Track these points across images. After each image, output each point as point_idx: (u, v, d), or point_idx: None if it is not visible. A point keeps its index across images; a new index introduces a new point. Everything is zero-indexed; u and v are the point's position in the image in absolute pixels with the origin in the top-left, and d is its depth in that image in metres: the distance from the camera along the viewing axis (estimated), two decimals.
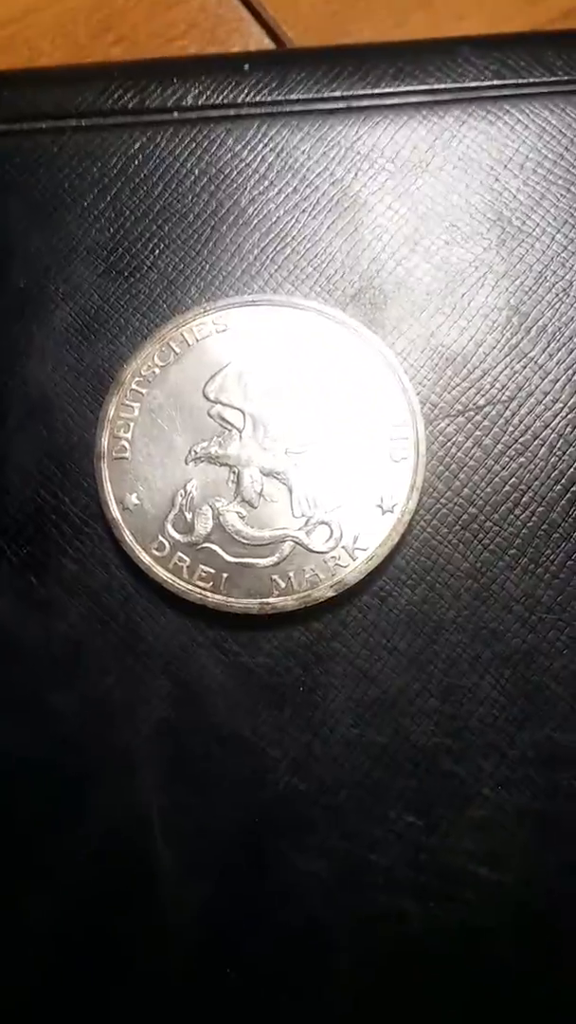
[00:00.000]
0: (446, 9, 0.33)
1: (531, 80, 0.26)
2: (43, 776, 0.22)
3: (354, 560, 0.22)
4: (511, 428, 0.23)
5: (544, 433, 0.23)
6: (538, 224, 0.25)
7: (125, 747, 0.22)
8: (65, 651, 0.23)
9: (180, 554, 0.22)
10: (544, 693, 0.22)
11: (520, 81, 0.26)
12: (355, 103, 0.26)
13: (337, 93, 0.27)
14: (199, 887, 0.21)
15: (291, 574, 0.22)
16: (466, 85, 0.26)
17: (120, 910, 0.21)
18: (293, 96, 0.27)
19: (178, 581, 0.22)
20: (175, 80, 0.27)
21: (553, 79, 0.26)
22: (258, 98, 0.27)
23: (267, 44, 0.34)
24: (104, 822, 0.22)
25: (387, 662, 0.22)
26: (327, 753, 0.22)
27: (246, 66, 0.27)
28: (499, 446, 0.23)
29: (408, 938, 0.21)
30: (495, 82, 0.26)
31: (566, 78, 0.26)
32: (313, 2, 0.34)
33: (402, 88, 0.26)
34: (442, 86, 0.27)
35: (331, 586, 0.22)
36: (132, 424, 0.23)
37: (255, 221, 0.25)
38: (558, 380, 0.24)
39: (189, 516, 0.23)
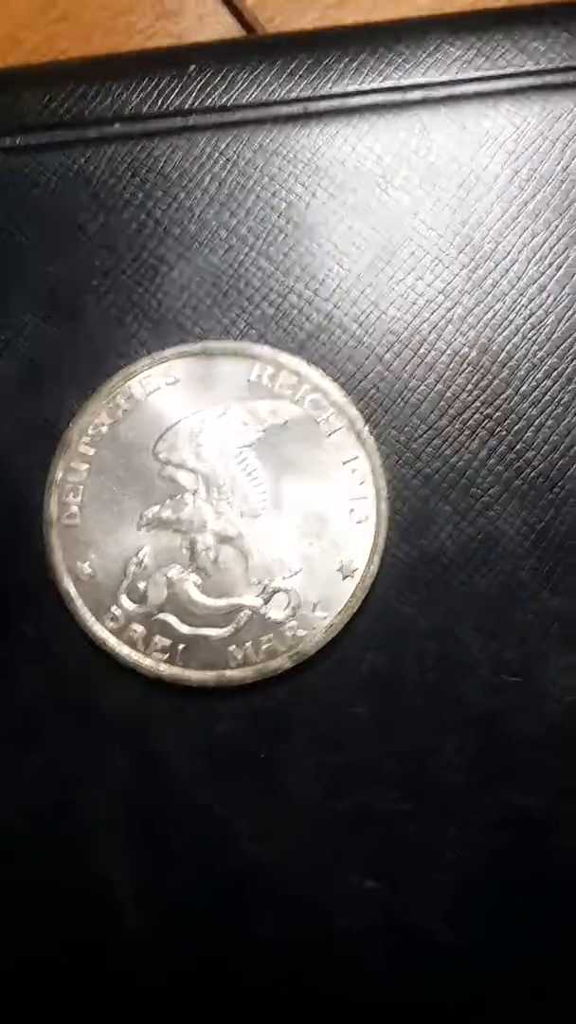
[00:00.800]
0: None
1: (510, 71, 0.24)
2: (3, 844, 0.22)
3: (313, 629, 0.22)
4: (479, 479, 0.22)
5: (515, 484, 0.22)
6: (512, 246, 0.23)
7: (86, 817, 0.22)
8: (25, 720, 0.23)
9: (134, 625, 0.22)
10: (508, 757, 0.21)
11: (498, 73, 0.24)
12: (312, 107, 0.24)
13: (293, 95, 0.24)
14: (166, 953, 0.22)
15: (248, 645, 0.22)
16: (436, 80, 0.24)
17: (86, 977, 0.22)
18: (244, 100, 0.24)
19: (133, 653, 0.22)
20: (115, 85, 0.25)
21: (535, 68, 0.24)
22: (208, 103, 0.24)
23: (222, 14, 0.31)
24: (69, 890, 0.22)
25: (349, 728, 0.22)
26: (289, 821, 0.22)
27: (192, 67, 0.25)
28: (467, 499, 0.22)
29: (372, 1002, 0.21)
30: (470, 75, 0.24)
31: (550, 67, 0.24)
32: None
33: (365, 87, 0.24)
34: (409, 82, 0.24)
35: (289, 657, 0.22)
36: (81, 488, 0.23)
37: (205, 251, 0.24)
38: (531, 425, 0.22)
39: (142, 585, 0.22)
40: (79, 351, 0.24)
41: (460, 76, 0.24)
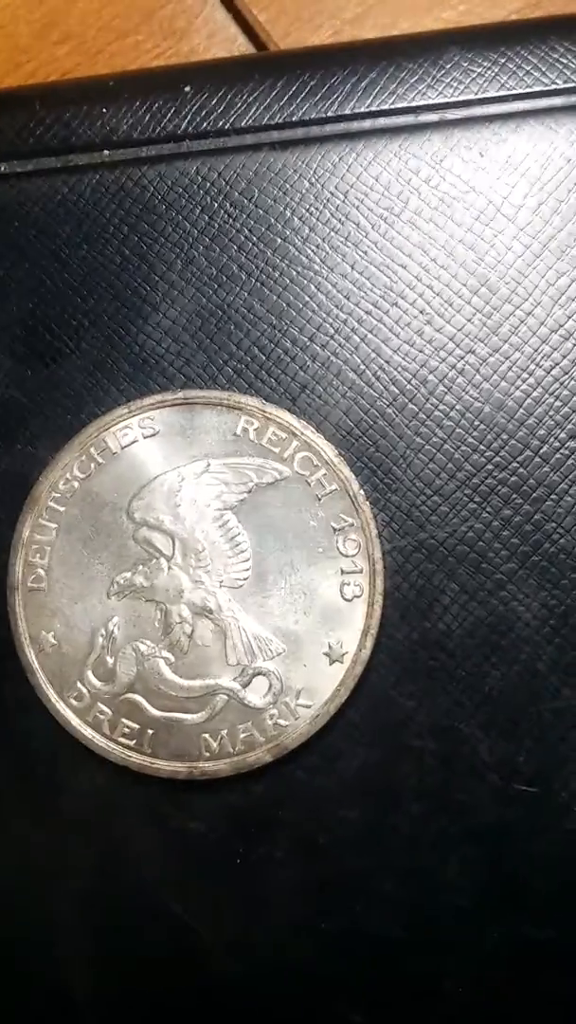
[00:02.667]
0: None
1: (537, 89, 0.21)
2: None
3: (296, 719, 0.19)
4: (491, 554, 0.20)
5: (532, 559, 0.19)
6: (533, 290, 0.20)
7: (44, 919, 0.20)
8: None
9: (100, 705, 0.20)
10: (518, 881, 0.19)
11: (523, 91, 0.21)
12: (315, 131, 0.22)
13: (295, 118, 0.22)
14: None
15: (224, 733, 0.19)
16: (453, 100, 0.22)
17: None
18: (242, 123, 0.22)
19: (98, 736, 0.20)
20: (104, 109, 0.23)
21: (564, 86, 0.21)
22: (202, 127, 0.22)
23: (233, 31, 0.29)
24: (25, 1001, 0.20)
25: (336, 834, 0.19)
26: (267, 936, 0.19)
27: (187, 87, 0.23)
28: (477, 576, 0.20)
29: None
30: (490, 94, 0.21)
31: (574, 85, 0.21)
32: None
33: (373, 108, 0.22)
34: (423, 103, 0.22)
35: (268, 750, 0.19)
36: (48, 549, 0.21)
37: (192, 291, 0.22)
38: (552, 492, 0.20)
39: (111, 661, 0.20)
40: (55, 397, 0.22)
41: (480, 96, 0.21)
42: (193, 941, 0.19)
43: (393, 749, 0.19)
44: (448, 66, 0.22)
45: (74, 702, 0.20)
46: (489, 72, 0.22)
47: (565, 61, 0.21)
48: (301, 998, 0.19)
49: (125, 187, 0.22)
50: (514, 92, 0.21)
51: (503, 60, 0.22)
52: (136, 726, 0.20)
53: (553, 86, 0.21)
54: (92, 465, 0.21)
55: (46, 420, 0.22)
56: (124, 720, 0.20)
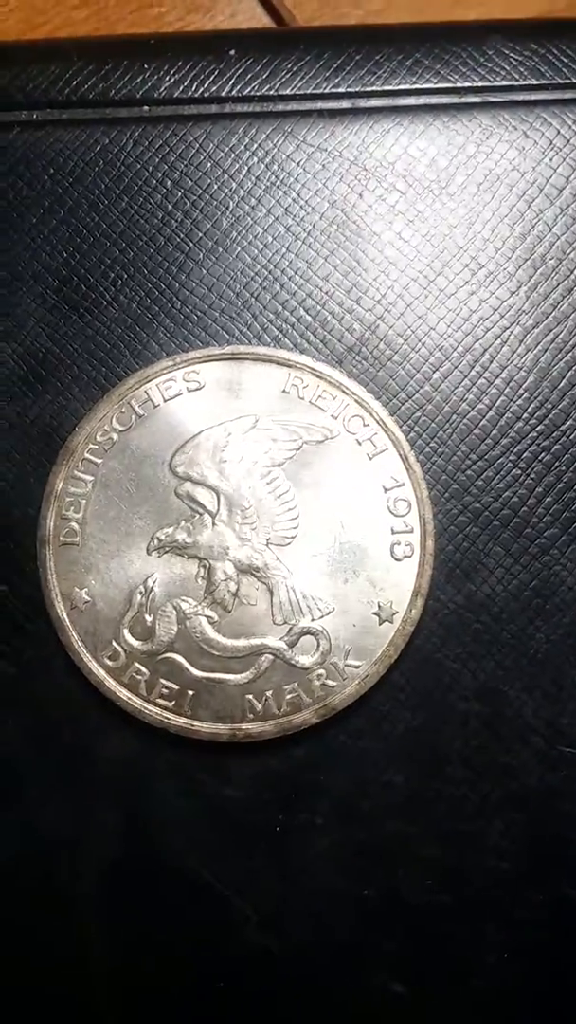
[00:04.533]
0: None
1: (574, 80, 0.22)
2: None
3: (344, 679, 0.19)
4: (535, 519, 0.20)
5: (575, 526, 0.20)
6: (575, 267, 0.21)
7: (66, 890, 0.19)
8: (1, 770, 0.20)
9: (137, 665, 0.19)
10: (563, 844, 0.19)
11: (563, 81, 0.22)
12: (362, 103, 0.22)
13: (341, 89, 0.23)
14: None
15: (269, 694, 0.19)
16: (497, 84, 0.22)
17: None
18: (287, 91, 0.23)
19: (134, 698, 0.19)
20: (146, 65, 0.23)
21: None
22: (246, 91, 0.23)
23: (259, 14, 0.29)
24: (39, 981, 0.19)
25: (379, 800, 0.19)
26: (305, 907, 0.19)
27: (231, 51, 0.23)
28: (521, 540, 0.20)
29: None
30: (532, 81, 0.22)
31: None
32: None
33: (419, 85, 0.22)
34: (467, 84, 0.22)
35: (316, 711, 0.19)
36: (83, 502, 0.20)
37: (237, 249, 0.22)
38: None
39: (149, 619, 0.19)
40: (89, 349, 0.21)
41: (522, 83, 0.22)
42: (228, 912, 0.19)
43: (438, 712, 0.19)
44: (491, 52, 0.23)
45: (109, 662, 0.19)
46: (530, 61, 0.23)
47: None
48: (340, 969, 0.19)
49: (169, 142, 0.22)
50: (555, 82, 0.22)
51: (543, 51, 0.23)
52: (175, 687, 0.19)
53: None
54: (132, 417, 0.20)
55: (79, 372, 0.21)
56: (163, 680, 0.19)
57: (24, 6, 0.30)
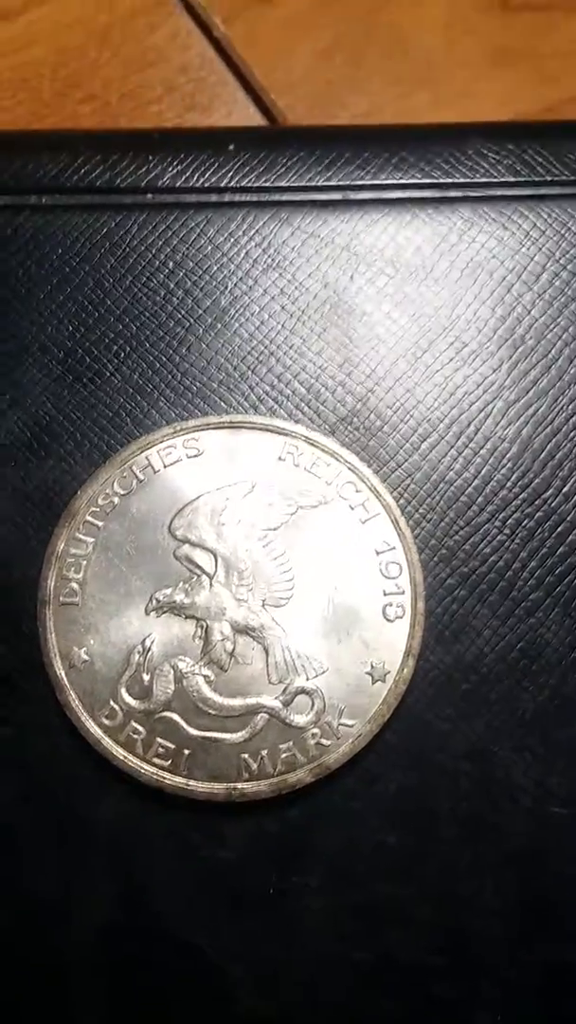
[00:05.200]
0: (451, 85, 0.31)
1: (549, 179, 0.25)
2: None
3: (339, 738, 0.20)
4: (520, 583, 0.21)
5: (558, 590, 0.21)
6: (554, 344, 0.23)
7: (60, 955, 0.19)
8: None
9: (134, 724, 0.20)
10: (554, 904, 0.19)
11: (537, 179, 0.25)
12: (352, 195, 0.24)
13: (333, 182, 0.25)
14: None
15: (264, 754, 0.20)
16: (476, 180, 0.25)
17: None
18: (283, 183, 0.25)
19: (130, 757, 0.20)
20: (150, 157, 0.25)
21: (574, 178, 0.25)
22: (244, 183, 0.25)
23: (253, 113, 0.32)
24: None
25: (372, 861, 0.20)
26: (299, 971, 0.19)
27: (231, 146, 0.25)
28: (507, 603, 0.21)
29: None
30: (509, 179, 0.25)
31: None
32: (307, 69, 0.32)
33: (405, 180, 0.25)
34: (450, 180, 0.25)
35: (311, 770, 0.19)
36: (84, 563, 0.21)
37: (235, 325, 0.23)
38: (575, 527, 0.22)
39: (147, 678, 0.20)
40: (92, 417, 0.22)
41: (500, 179, 0.25)
42: (221, 977, 0.19)
43: (429, 772, 0.20)
44: (471, 152, 0.25)
45: (106, 721, 0.20)
46: (507, 160, 0.25)
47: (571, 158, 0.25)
48: None
49: (172, 227, 0.24)
50: (530, 179, 0.25)
51: (519, 152, 0.25)
52: (172, 746, 0.20)
53: (562, 177, 0.25)
54: (133, 482, 0.21)
55: (82, 439, 0.22)
56: (159, 740, 0.20)
57: (31, 99, 0.32)
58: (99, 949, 0.19)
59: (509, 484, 0.22)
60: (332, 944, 0.19)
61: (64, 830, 0.20)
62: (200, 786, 0.19)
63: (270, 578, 0.21)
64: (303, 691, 0.20)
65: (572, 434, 0.22)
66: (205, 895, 0.19)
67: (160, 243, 0.24)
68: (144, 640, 0.20)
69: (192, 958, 0.19)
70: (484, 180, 0.25)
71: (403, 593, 0.20)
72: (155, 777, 0.19)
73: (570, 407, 0.22)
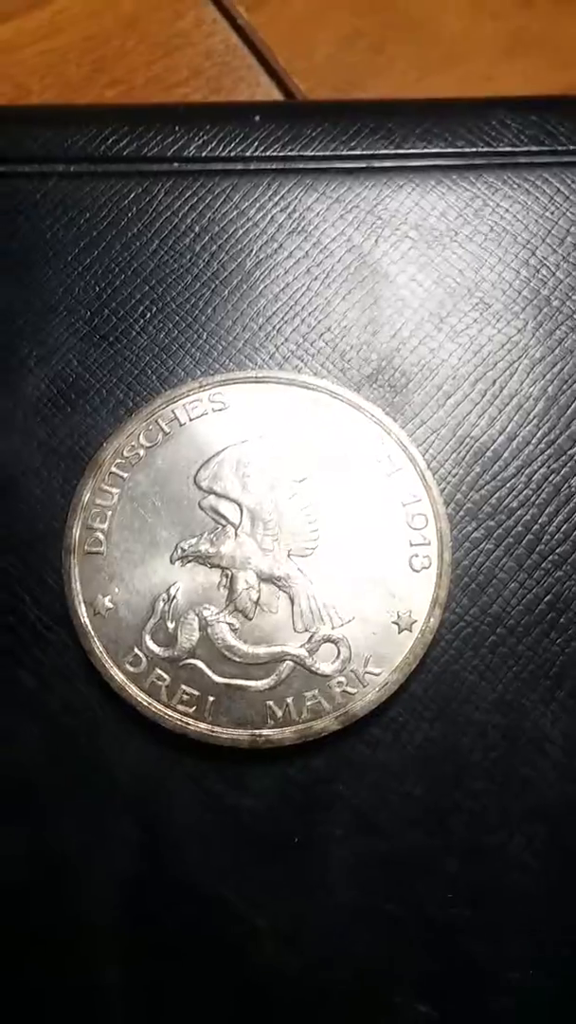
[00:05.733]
0: (473, 69, 0.32)
1: (572, 147, 0.25)
2: None
3: (364, 687, 0.20)
4: (547, 536, 0.21)
5: None
6: None
7: (80, 905, 0.19)
8: (13, 785, 0.20)
9: (159, 671, 0.20)
10: None
11: (560, 148, 0.25)
12: (376, 163, 0.25)
13: (357, 151, 0.25)
14: None
15: (290, 701, 0.20)
16: (500, 150, 0.25)
17: None
18: (307, 152, 0.25)
19: (155, 704, 0.20)
20: (176, 128, 0.26)
21: None
22: (269, 152, 0.25)
23: (276, 96, 0.32)
24: (52, 1004, 0.18)
25: (399, 812, 0.19)
26: (324, 923, 0.19)
27: (256, 116, 0.26)
28: (533, 556, 0.21)
29: None
30: (532, 148, 0.25)
31: None
32: (329, 53, 0.33)
33: (429, 149, 0.25)
34: (473, 149, 0.25)
35: (336, 717, 0.19)
36: (109, 513, 0.21)
37: (261, 287, 0.24)
38: None
39: (171, 626, 0.20)
40: (119, 375, 0.23)
41: (523, 148, 0.25)
42: (243, 926, 0.19)
43: (456, 723, 0.20)
44: (495, 122, 0.25)
45: (130, 667, 0.20)
46: (530, 131, 0.25)
47: None
48: (360, 988, 0.18)
49: (198, 192, 0.25)
50: (553, 148, 0.25)
51: (541, 122, 0.25)
52: (196, 692, 0.20)
53: None
54: (159, 435, 0.22)
55: (108, 395, 0.23)
56: (184, 686, 0.20)
57: (59, 83, 0.33)
58: (122, 897, 0.19)
59: (535, 440, 0.22)
60: (357, 895, 0.19)
61: (87, 778, 0.20)
62: (225, 732, 0.19)
63: (295, 529, 0.21)
64: (329, 639, 0.20)
65: None
66: (229, 844, 0.19)
67: (186, 208, 0.25)
68: (169, 588, 0.20)
69: (215, 908, 0.19)
70: (508, 149, 0.25)
71: (429, 544, 0.21)
72: (179, 723, 0.19)
73: None
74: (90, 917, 0.19)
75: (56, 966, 0.19)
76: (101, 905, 0.19)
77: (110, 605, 0.20)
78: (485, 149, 0.25)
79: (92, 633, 0.20)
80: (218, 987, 0.19)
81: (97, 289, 0.24)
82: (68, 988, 0.19)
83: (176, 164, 0.25)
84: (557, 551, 0.21)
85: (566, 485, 0.22)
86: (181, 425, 0.22)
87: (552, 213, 0.24)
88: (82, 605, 0.20)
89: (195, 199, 0.25)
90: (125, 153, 0.25)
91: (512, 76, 0.32)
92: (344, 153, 0.25)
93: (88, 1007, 0.18)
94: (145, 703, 0.20)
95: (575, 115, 0.26)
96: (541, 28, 0.32)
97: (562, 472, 0.22)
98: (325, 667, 0.20)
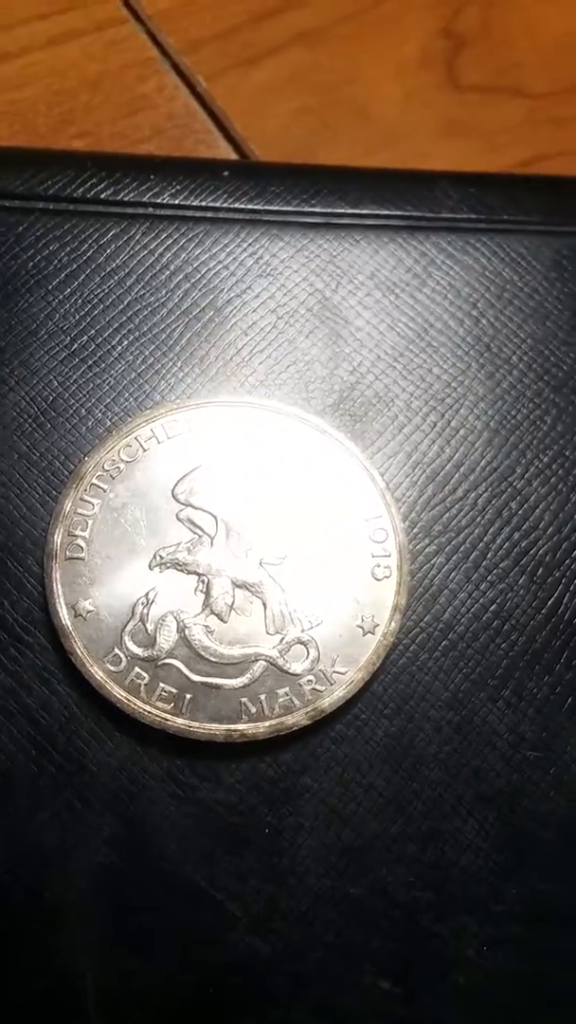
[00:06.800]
0: (412, 148, 0.36)
1: (506, 217, 0.29)
2: None
3: (332, 684, 0.22)
4: (491, 552, 0.24)
5: (524, 560, 0.24)
6: (514, 352, 0.27)
7: (57, 899, 0.20)
8: None
9: (138, 670, 0.21)
10: (530, 840, 0.21)
11: (496, 217, 0.29)
12: (335, 220, 0.28)
13: (317, 208, 0.28)
14: None
15: (263, 698, 0.21)
16: (443, 216, 0.29)
17: None
18: (272, 207, 0.28)
19: (134, 701, 0.21)
20: (152, 176, 0.28)
21: (525, 219, 0.29)
22: (237, 204, 0.28)
23: (233, 159, 0.36)
24: (26, 992, 0.19)
25: (362, 801, 0.21)
26: (294, 908, 0.20)
27: (226, 172, 0.29)
28: (480, 570, 0.24)
29: None
30: (471, 216, 0.29)
31: (538, 218, 0.29)
32: (282, 124, 0.37)
33: (381, 212, 0.29)
34: (420, 214, 0.29)
35: (307, 713, 0.21)
36: (90, 522, 0.23)
37: (231, 322, 0.26)
38: (537, 505, 0.25)
39: (150, 628, 0.22)
40: (97, 395, 0.25)
41: (465, 216, 0.29)
42: (217, 914, 0.20)
43: (413, 718, 0.22)
44: (438, 192, 0.29)
45: (110, 666, 0.21)
46: (468, 201, 0.29)
47: (527, 201, 0.29)
48: (328, 969, 0.20)
49: (173, 235, 0.27)
50: (487, 217, 0.29)
51: (478, 195, 0.29)
52: (175, 690, 0.21)
53: (517, 217, 0.29)
54: (139, 451, 0.24)
55: (88, 413, 0.24)
56: (163, 684, 0.21)
57: (27, 131, 0.35)
58: (99, 890, 0.20)
59: (479, 467, 0.25)
60: (325, 882, 0.20)
61: (66, 774, 0.21)
62: (201, 728, 0.21)
63: (267, 539, 0.23)
64: (299, 641, 0.22)
65: (531, 428, 0.26)
66: (202, 835, 0.21)
67: (162, 248, 0.27)
68: (148, 592, 0.22)
69: (190, 897, 0.20)
70: (449, 216, 0.29)
71: (390, 556, 0.23)
72: (158, 719, 0.21)
73: (529, 404, 0.26)
74: (67, 906, 0.20)
75: (32, 958, 0.19)
76: (79, 893, 0.20)
77: (91, 608, 0.22)
78: (430, 215, 0.29)
79: (72, 633, 0.21)
80: (191, 973, 0.20)
81: (77, 317, 0.26)
82: (43, 979, 0.19)
83: (152, 209, 0.28)
84: (500, 566, 0.24)
85: (507, 507, 0.25)
86: (159, 442, 0.24)
87: (490, 272, 0.28)
88: (63, 608, 0.22)
89: (170, 240, 0.27)
90: (103, 196, 0.28)
91: (447, 156, 0.36)
92: (306, 209, 0.28)
93: (62, 997, 0.19)
94: (125, 700, 0.21)
95: (504, 190, 0.30)
96: (470, 115, 0.37)
97: (504, 496, 0.25)
98: (296, 666, 0.22)
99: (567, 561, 0.24)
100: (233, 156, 0.36)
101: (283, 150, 0.36)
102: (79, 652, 0.21)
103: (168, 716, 0.21)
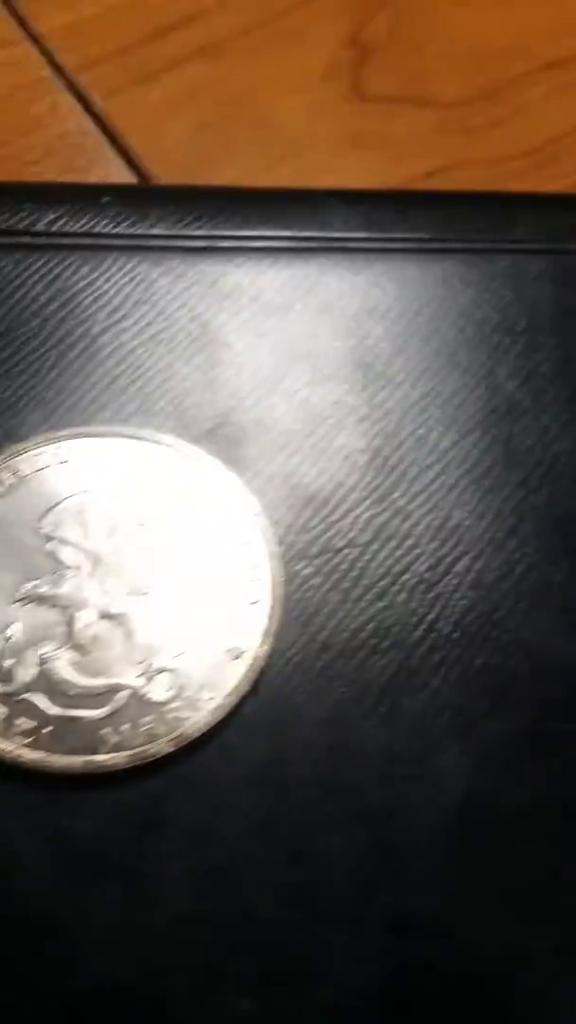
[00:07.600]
0: (314, 160, 0.41)
1: (395, 236, 0.34)
2: None
3: (197, 711, 0.26)
4: (370, 571, 0.28)
5: (404, 577, 0.28)
6: (399, 371, 0.31)
7: None
8: None
9: None
10: (399, 855, 0.25)
11: (385, 236, 0.34)
12: (218, 243, 0.33)
13: (200, 232, 0.33)
14: None
15: (124, 728, 0.25)
16: (330, 235, 0.34)
17: None
18: (153, 232, 0.33)
19: None
20: (27, 204, 0.33)
21: (416, 236, 0.34)
22: (116, 230, 0.33)
23: (128, 178, 0.41)
24: None
25: (229, 825, 0.25)
26: (155, 932, 0.24)
27: (105, 199, 0.34)
28: (357, 589, 0.28)
29: None
30: (359, 235, 0.34)
31: (429, 237, 0.34)
32: (179, 140, 0.42)
33: (266, 233, 0.33)
34: (306, 234, 0.34)
35: (170, 740, 0.25)
36: None
37: (106, 351, 0.31)
38: (418, 524, 0.29)
39: (10, 663, 0.26)
40: None
41: (351, 235, 0.34)
42: (78, 945, 0.24)
43: (285, 741, 0.26)
44: (327, 210, 0.34)
45: None
46: (358, 219, 0.34)
47: (420, 219, 0.34)
48: (188, 993, 0.23)
49: (47, 264, 0.32)
50: (377, 236, 0.34)
51: (369, 212, 0.34)
52: (33, 723, 0.25)
53: (404, 236, 0.34)
54: (2, 487, 0.28)
55: None
56: (20, 719, 0.25)
57: None
58: None
59: (360, 486, 0.29)
60: (190, 906, 0.24)
61: None
62: (59, 760, 0.25)
63: (134, 569, 0.27)
64: (164, 670, 0.26)
65: (414, 447, 0.30)
66: (63, 866, 0.24)
67: (35, 278, 0.32)
68: (7, 628, 0.26)
69: (47, 930, 0.24)
70: (338, 235, 0.34)
71: (261, 580, 0.27)
72: (13, 754, 0.25)
73: (412, 424, 0.30)
74: None
75: None
76: None
77: None
78: (317, 234, 0.34)
79: None
80: (43, 1004, 0.23)
81: None
82: None
83: (25, 238, 0.33)
84: (379, 584, 0.28)
85: (388, 525, 0.29)
86: (23, 477, 0.28)
87: (374, 291, 0.33)
88: None
89: (44, 269, 0.32)
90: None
91: (349, 169, 0.41)
92: (188, 233, 0.33)
93: None
94: None
95: (394, 207, 0.35)
96: (376, 126, 0.42)
97: (384, 514, 0.29)
98: (160, 695, 0.26)
99: (447, 577, 0.28)
100: (128, 174, 0.41)
101: (181, 167, 0.41)
102: None
103: (24, 750, 0.25)
